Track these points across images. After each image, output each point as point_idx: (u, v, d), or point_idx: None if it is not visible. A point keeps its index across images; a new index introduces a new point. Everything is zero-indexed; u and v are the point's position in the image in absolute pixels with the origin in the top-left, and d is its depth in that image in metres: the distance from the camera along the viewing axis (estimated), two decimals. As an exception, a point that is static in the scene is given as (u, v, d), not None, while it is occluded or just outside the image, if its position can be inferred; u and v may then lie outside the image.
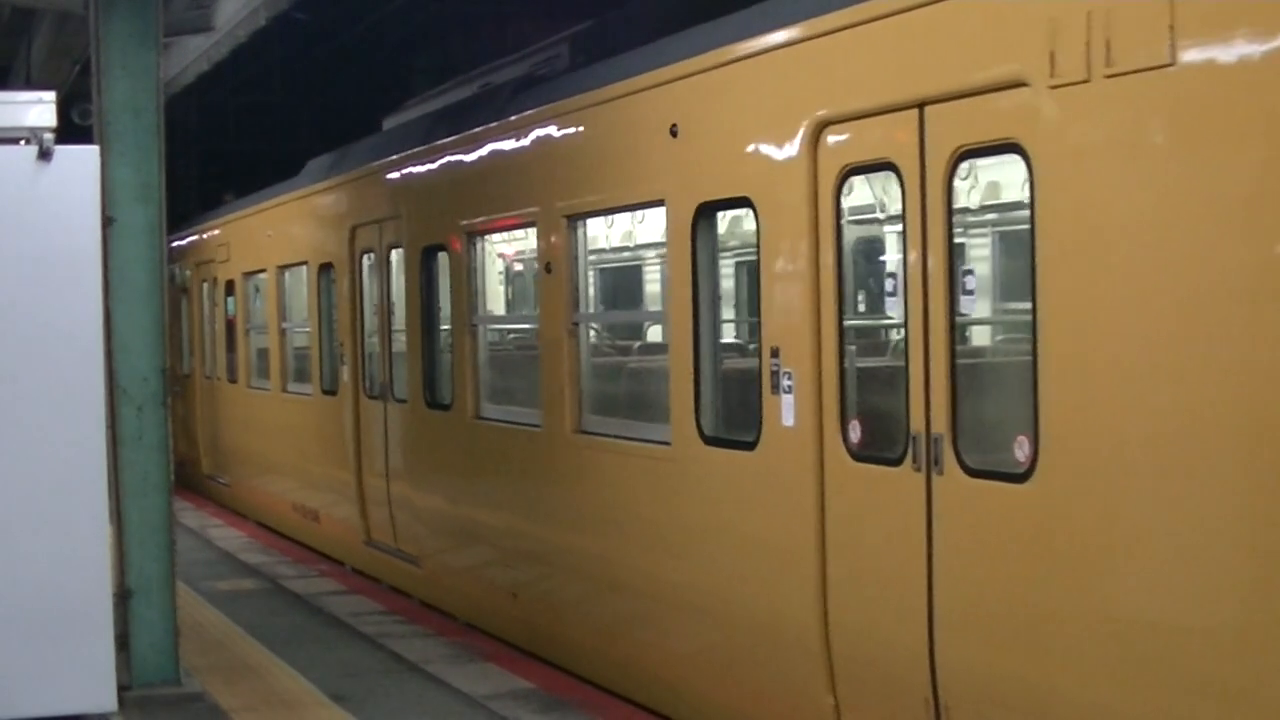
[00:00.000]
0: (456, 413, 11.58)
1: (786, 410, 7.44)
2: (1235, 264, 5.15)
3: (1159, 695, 5.51)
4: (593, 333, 10.38)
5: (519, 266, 12.00)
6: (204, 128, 27.23)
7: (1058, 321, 5.86)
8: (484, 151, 11.07)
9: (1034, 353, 5.99)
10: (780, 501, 7.52)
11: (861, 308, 7.54)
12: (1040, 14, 5.85)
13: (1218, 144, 5.20)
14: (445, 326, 12.00)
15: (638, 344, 11.05)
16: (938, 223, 6.51)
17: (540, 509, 10.28)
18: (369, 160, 13.70)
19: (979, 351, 7.45)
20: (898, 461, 6.74)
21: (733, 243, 8.85)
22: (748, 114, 7.77)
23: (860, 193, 7.25)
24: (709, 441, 8.20)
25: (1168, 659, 5.48)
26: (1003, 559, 6.18)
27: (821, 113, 7.15)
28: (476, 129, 11.17)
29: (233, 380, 19.38)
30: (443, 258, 11.92)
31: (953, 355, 6.48)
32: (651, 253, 10.63)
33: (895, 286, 6.84)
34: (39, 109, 8.31)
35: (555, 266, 9.90)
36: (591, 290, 10.43)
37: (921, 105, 6.56)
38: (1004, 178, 6.82)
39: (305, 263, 15.72)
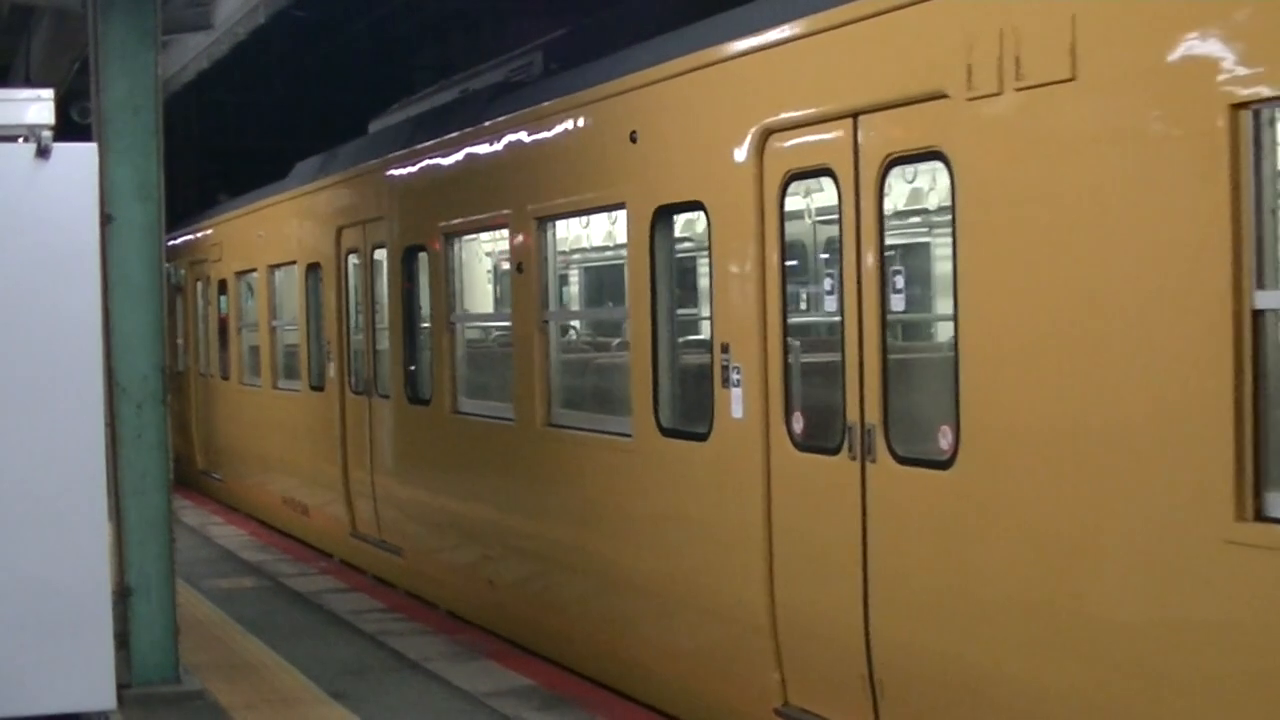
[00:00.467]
0: (435, 408, 12.00)
1: (736, 403, 7.85)
2: (1130, 263, 5.56)
3: (1070, 668, 5.91)
4: (573, 330, 10.76)
5: (492, 266, 12.42)
6: (204, 125, 27.35)
7: (975, 318, 6.28)
8: (460, 156, 11.48)
9: (956, 348, 6.40)
10: (731, 489, 7.93)
11: (804, 306, 7.94)
12: (959, 31, 6.26)
13: (1113, 151, 5.60)
14: (426, 324, 12.42)
15: (605, 340, 11.45)
16: (870, 225, 6.92)
17: (513, 500, 10.69)
18: (354, 163, 14.12)
19: (908, 347, 7.87)
20: (836, 451, 7.16)
21: (689, 244, 9.25)
22: (700, 122, 8.17)
23: (802, 197, 7.66)
24: (666, 433, 8.61)
25: (1076, 634, 5.88)
26: (929, 542, 6.60)
27: (766, 121, 7.56)
28: (453, 134, 11.59)
29: (225, 377, 19.80)
30: (423, 258, 12.33)
31: (884, 350, 6.89)
32: (613, 254, 11.02)
33: (833, 285, 7.24)
34: (38, 106, 8.23)
35: (526, 266, 10.31)
36: (573, 288, 10.84)
37: (855, 115, 6.97)
38: (933, 184, 7.23)
39: (294, 262, 16.14)
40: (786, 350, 7.57)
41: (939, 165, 6.57)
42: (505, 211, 10.64)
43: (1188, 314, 5.31)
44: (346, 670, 9.97)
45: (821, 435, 7.35)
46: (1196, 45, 5.25)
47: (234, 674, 9.69)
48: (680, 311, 8.79)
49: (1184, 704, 5.41)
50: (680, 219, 8.75)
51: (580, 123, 9.55)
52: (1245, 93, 5.08)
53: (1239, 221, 5.13)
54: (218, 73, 17.27)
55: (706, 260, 8.19)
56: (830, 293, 7.29)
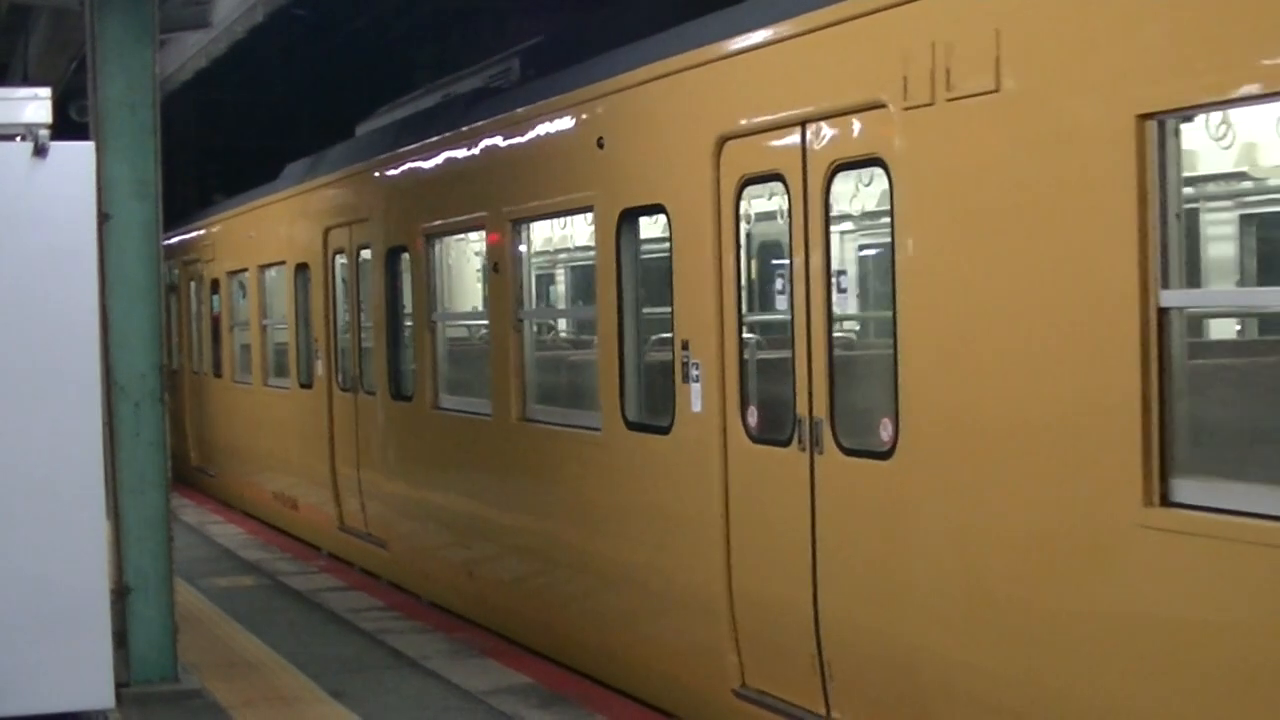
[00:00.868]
0: (417, 404, 12.36)
1: (695, 398, 8.20)
2: (1049, 265, 5.91)
3: (998, 648, 6.26)
4: (546, 327, 11.10)
5: (470, 266, 12.78)
6: (202, 124, 27.48)
7: (912, 317, 6.63)
8: (440, 159, 11.84)
9: (895, 345, 6.76)
10: (691, 480, 8.28)
11: (759, 304, 8.30)
12: (896, 43, 6.61)
13: (1032, 159, 5.96)
14: (409, 323, 12.78)
15: (576, 338, 11.81)
16: (817, 228, 7.28)
17: (491, 492, 11.06)
18: (340, 165, 14.47)
19: (852, 344, 8.23)
20: (787, 443, 7.51)
21: (651, 246, 9.60)
22: (661, 129, 8.53)
23: (756, 200, 8.01)
24: (631, 427, 8.97)
25: (1002, 615, 6.23)
26: (871, 528, 6.96)
27: (723, 128, 7.91)
28: (434, 138, 11.94)
29: (218, 375, 20.19)
30: (405, 258, 12.69)
31: (830, 347, 7.25)
32: (582, 255, 11.38)
33: (784, 285, 7.60)
34: (35, 105, 8.24)
35: (501, 266, 10.67)
36: (547, 287, 11.18)
37: (804, 123, 7.32)
38: (877, 188, 7.58)
39: (284, 262, 16.49)
40: (742, 347, 7.93)
41: (879, 171, 6.92)
42: (482, 213, 10.99)
43: (1100, 312, 5.66)
44: (345, 668, 10.00)
45: (774, 428, 7.70)
46: (1107, 58, 5.61)
47: (232, 672, 9.74)
48: (645, 310, 9.14)
49: (1105, 680, 5.76)
50: (644, 221, 9.11)
51: (551, 128, 9.90)
52: (1151, 103, 5.43)
53: (1145, 225, 5.48)
54: (216, 72, 17.31)
55: (669, 261, 8.54)
56: (782, 292, 7.64)
